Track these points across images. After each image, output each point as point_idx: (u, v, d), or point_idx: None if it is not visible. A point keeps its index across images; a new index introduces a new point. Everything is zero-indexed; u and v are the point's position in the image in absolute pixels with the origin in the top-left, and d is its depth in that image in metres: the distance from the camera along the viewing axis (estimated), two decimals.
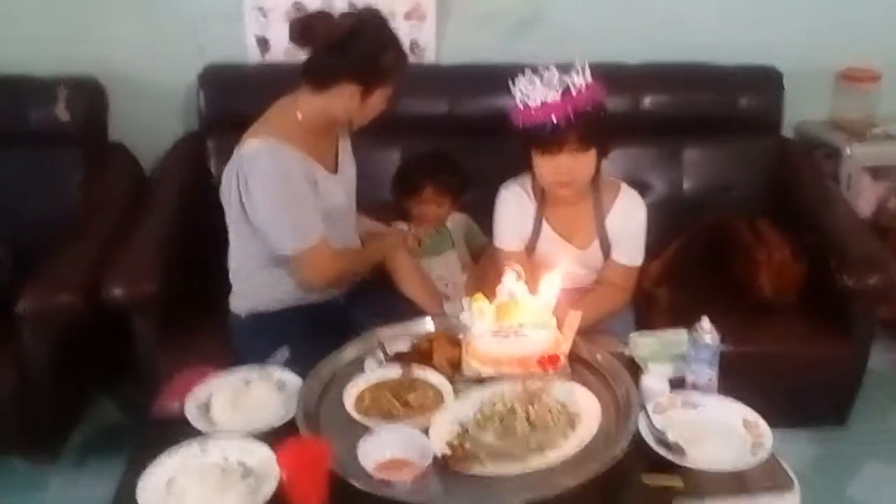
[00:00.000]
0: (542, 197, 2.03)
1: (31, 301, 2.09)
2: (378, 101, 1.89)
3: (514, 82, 1.87)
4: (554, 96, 1.82)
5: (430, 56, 2.71)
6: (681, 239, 2.45)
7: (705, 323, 1.59)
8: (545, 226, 2.05)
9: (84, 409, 2.46)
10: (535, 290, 1.65)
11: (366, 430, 1.44)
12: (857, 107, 2.80)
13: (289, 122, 1.90)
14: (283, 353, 1.71)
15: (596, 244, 2.05)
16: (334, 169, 2.00)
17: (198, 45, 2.58)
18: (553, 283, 1.64)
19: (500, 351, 1.59)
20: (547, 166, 1.90)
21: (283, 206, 1.86)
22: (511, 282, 1.65)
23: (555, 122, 1.82)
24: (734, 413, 1.51)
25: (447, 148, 2.42)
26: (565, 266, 1.98)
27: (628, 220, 2.03)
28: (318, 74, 1.86)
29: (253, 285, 2.02)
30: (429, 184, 2.31)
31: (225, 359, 1.81)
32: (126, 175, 2.66)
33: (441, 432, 1.44)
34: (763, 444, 1.42)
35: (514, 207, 2.05)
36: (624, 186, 2.06)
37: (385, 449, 1.39)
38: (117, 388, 2.51)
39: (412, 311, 1.96)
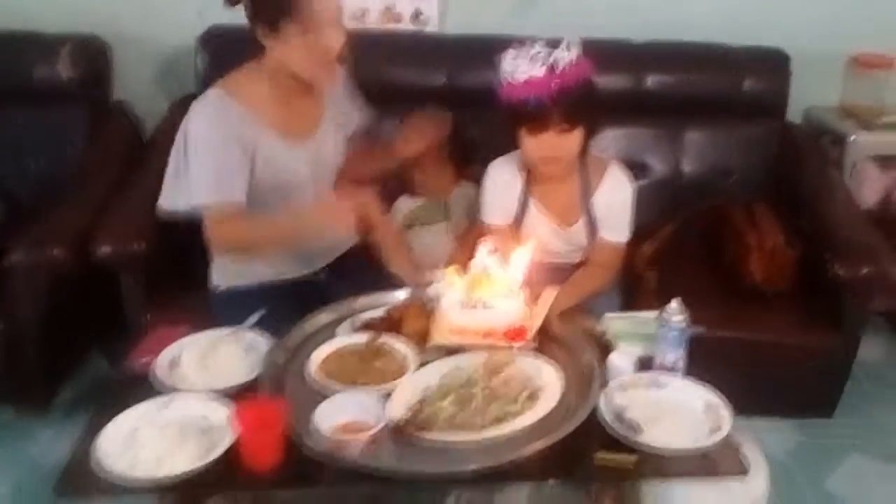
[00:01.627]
0: (529, 174, 2.02)
1: (20, 254, 2.13)
2: (301, 42, 1.76)
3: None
4: (539, 72, 1.80)
5: (432, 26, 2.69)
6: (675, 222, 2.43)
7: (675, 303, 1.57)
8: (531, 203, 2.04)
9: (75, 365, 2.50)
10: (509, 259, 1.65)
11: (327, 393, 1.46)
12: (869, 94, 2.72)
13: (245, 78, 1.88)
14: (257, 314, 1.72)
15: (581, 223, 2.04)
16: (301, 138, 1.94)
17: (199, 6, 2.57)
18: (523, 258, 1.64)
19: (467, 322, 1.59)
20: (532, 144, 1.88)
21: (202, 155, 1.79)
22: (484, 255, 1.65)
23: (539, 99, 1.80)
24: (697, 395, 1.50)
25: None
26: (546, 241, 2.00)
27: (615, 197, 2.02)
28: (250, 24, 1.80)
29: (228, 259, 2.01)
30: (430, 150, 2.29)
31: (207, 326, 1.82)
32: (127, 134, 2.68)
33: (401, 399, 1.45)
34: (722, 427, 1.41)
35: (501, 184, 2.04)
36: (612, 164, 2.05)
37: (342, 413, 1.40)
38: (109, 346, 2.54)
39: (396, 285, 1.96)
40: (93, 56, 2.61)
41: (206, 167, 1.80)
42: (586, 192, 2.01)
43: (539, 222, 2.04)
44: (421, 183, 2.35)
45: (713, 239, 2.43)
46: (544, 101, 1.80)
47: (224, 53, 2.56)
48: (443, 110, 2.19)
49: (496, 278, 1.62)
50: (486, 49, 2.51)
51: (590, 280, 2.04)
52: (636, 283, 2.29)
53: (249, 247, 1.91)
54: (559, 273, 2.01)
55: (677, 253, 2.38)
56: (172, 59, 2.73)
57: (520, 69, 1.81)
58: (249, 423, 1.33)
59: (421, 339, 1.64)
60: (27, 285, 2.18)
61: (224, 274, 2.04)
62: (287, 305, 1.87)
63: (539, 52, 1.81)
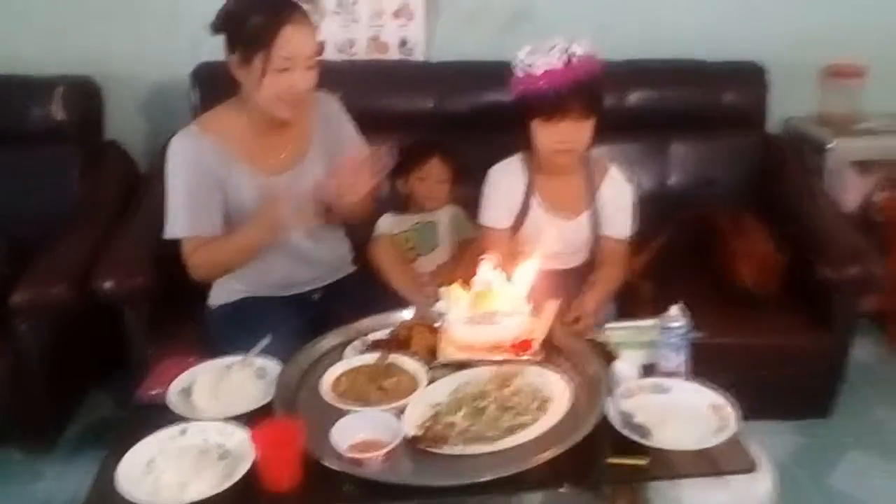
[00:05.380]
0: (533, 170, 2.09)
1: (24, 293, 2.15)
2: (265, 75, 1.81)
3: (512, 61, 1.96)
4: (557, 64, 1.89)
5: (419, 54, 2.75)
6: (665, 232, 2.48)
7: (674, 309, 1.62)
8: (535, 198, 2.10)
9: (80, 402, 2.51)
10: (513, 273, 1.69)
11: (341, 413, 1.48)
12: (844, 102, 2.82)
13: (223, 113, 1.96)
14: (264, 342, 1.74)
15: (585, 216, 2.11)
16: (278, 171, 1.97)
17: (191, 42, 2.61)
18: (528, 272, 1.68)
19: (474, 337, 1.63)
20: (549, 134, 1.96)
21: (176, 190, 1.90)
22: (487, 271, 1.69)
23: (557, 88, 1.89)
24: (702, 397, 1.54)
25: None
26: (549, 244, 2.03)
27: (620, 192, 2.12)
28: (226, 53, 1.87)
29: (222, 277, 2.05)
30: (436, 154, 2.34)
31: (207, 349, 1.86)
32: (120, 172, 2.71)
33: (414, 415, 1.48)
34: (728, 426, 1.45)
35: (504, 181, 2.11)
36: (611, 165, 2.15)
37: (358, 431, 1.43)
38: (113, 381, 2.55)
39: (395, 302, 2.00)
40: (85, 97, 2.65)
41: (179, 202, 1.90)
42: (591, 186, 2.10)
43: (541, 219, 2.10)
44: (419, 196, 2.38)
45: (703, 247, 2.49)
46: (562, 90, 1.89)
47: (217, 87, 2.59)
48: (378, 145, 2.00)
49: (500, 293, 1.66)
50: (472, 73, 2.65)
51: (607, 281, 2.11)
52: (631, 295, 2.34)
53: (221, 266, 1.98)
54: (559, 279, 2.06)
55: (669, 262, 2.42)
56: (165, 95, 2.76)
57: (538, 61, 1.90)
58: (268, 443, 1.36)
59: (429, 356, 1.67)
60: (30, 325, 2.19)
61: (218, 292, 2.09)
62: (282, 323, 1.92)
63: (556, 46, 1.91)
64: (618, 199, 2.12)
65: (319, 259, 2.11)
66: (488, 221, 2.13)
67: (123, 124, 2.76)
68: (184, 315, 2.20)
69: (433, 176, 2.35)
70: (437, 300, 1.74)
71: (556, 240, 2.09)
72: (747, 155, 2.72)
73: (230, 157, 1.92)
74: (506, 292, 1.67)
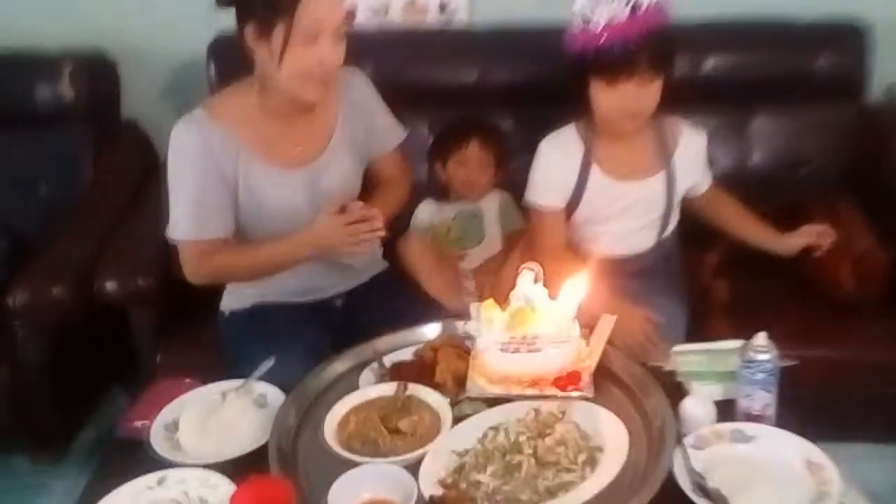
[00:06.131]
0: (592, 138, 1.84)
1: (22, 294, 1.95)
2: (287, 49, 1.53)
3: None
4: (622, 14, 1.62)
5: (461, 18, 2.44)
6: None
7: (761, 338, 1.30)
8: (594, 169, 1.84)
9: (95, 406, 2.32)
10: (567, 268, 1.43)
11: (346, 464, 1.22)
12: None
13: (234, 95, 1.70)
14: (267, 364, 1.50)
15: (660, 177, 1.86)
16: (297, 163, 1.72)
17: (207, 9, 2.36)
18: (577, 288, 1.38)
19: (510, 367, 1.34)
20: (613, 96, 1.70)
21: (179, 189, 1.66)
22: (527, 284, 1.40)
23: (623, 43, 1.62)
24: (794, 451, 1.23)
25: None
26: (609, 213, 1.86)
27: (697, 150, 1.92)
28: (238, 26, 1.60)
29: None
30: (475, 137, 2.06)
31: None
32: (138, 156, 2.49)
33: (433, 468, 1.22)
34: (830, 494, 1.14)
35: (556, 154, 1.86)
36: (682, 121, 1.92)
37: (363, 489, 1.17)
38: (130, 388, 2.36)
39: (426, 310, 1.73)
40: (97, 73, 2.41)
41: (182, 202, 1.65)
42: (665, 148, 1.86)
43: (604, 190, 1.85)
44: (459, 183, 2.09)
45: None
46: (628, 44, 1.63)
47: (236, 61, 2.36)
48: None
49: (543, 312, 1.37)
50: (522, 39, 2.32)
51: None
52: (704, 296, 2.03)
53: (234, 277, 1.77)
54: (621, 273, 1.80)
55: (748, 260, 2.09)
56: (182, 70, 2.52)
57: (598, 11, 1.63)
58: None
59: (458, 386, 1.40)
60: (31, 327, 2.01)
61: (231, 297, 1.86)
62: (298, 333, 1.70)
63: None
64: (695, 157, 1.91)
65: (345, 261, 1.84)
66: (538, 199, 1.87)
67: (139, 103, 2.52)
68: (197, 319, 1.98)
69: (474, 160, 2.06)
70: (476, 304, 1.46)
71: (622, 206, 1.86)
72: (843, 130, 2.33)
73: (242, 148, 1.66)
74: (550, 311, 1.37)
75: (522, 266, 1.41)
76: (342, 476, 1.18)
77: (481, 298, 1.65)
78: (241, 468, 1.26)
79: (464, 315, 1.55)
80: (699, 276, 2.07)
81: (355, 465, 1.21)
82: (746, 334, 1.46)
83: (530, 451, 1.20)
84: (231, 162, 1.65)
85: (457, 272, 1.99)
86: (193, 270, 1.69)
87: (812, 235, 1.90)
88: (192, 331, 1.98)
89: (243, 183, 1.67)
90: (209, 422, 1.37)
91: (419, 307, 1.74)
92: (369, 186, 1.89)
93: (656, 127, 1.85)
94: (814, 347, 1.88)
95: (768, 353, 1.28)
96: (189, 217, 1.65)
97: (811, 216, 2.10)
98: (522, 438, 1.22)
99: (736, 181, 2.29)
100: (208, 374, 1.55)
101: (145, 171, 2.42)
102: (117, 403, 2.35)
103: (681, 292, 1.96)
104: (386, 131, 1.88)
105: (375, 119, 1.84)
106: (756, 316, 1.93)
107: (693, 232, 2.06)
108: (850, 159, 2.31)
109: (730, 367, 1.38)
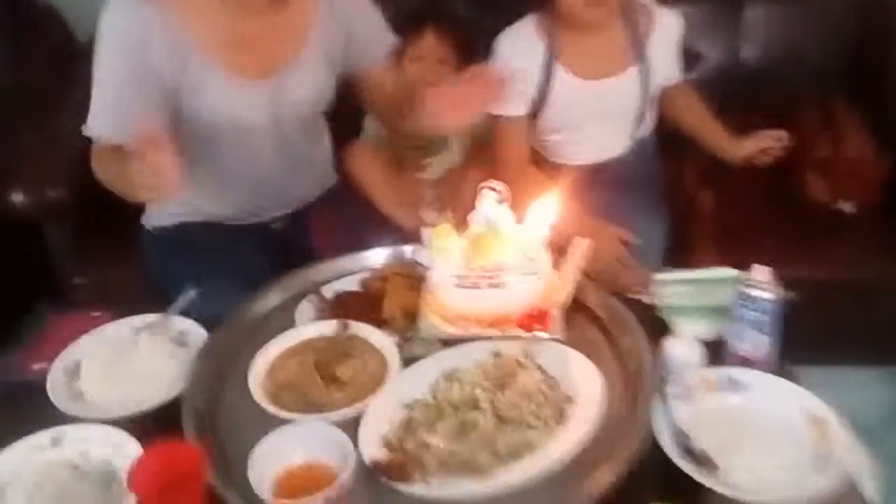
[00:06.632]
0: (555, 31, 1.64)
1: None
2: None
3: None
4: None
5: None
6: (732, 126, 1.93)
7: (760, 271, 1.12)
8: (559, 68, 1.65)
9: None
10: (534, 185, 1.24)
11: (273, 422, 1.04)
12: None
13: None
14: (188, 296, 1.29)
15: (633, 72, 1.66)
16: (259, 72, 1.42)
17: None
18: (547, 209, 1.17)
19: (468, 305, 1.15)
20: None
21: (102, 76, 1.35)
22: (489, 206, 1.19)
23: None
24: (794, 403, 1.06)
25: None
26: (580, 117, 1.68)
27: (671, 35, 1.70)
28: None
29: None
30: (430, 27, 1.80)
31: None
32: (54, 47, 2.19)
33: (376, 429, 1.04)
34: (833, 456, 0.99)
35: (515, 52, 1.64)
36: (654, 3, 1.70)
37: (291, 453, 0.99)
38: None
39: (380, 231, 1.53)
40: None
41: (102, 96, 1.36)
42: (637, 37, 1.66)
43: (571, 92, 1.66)
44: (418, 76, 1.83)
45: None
46: None
47: None
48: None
49: (507, 239, 1.17)
50: None
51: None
52: (686, 209, 1.84)
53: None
54: (595, 183, 1.64)
55: (734, 167, 1.90)
56: None
57: None
58: (153, 482, 0.93)
59: (408, 320, 1.21)
60: None
61: (155, 212, 1.61)
62: (232, 256, 1.49)
63: None
64: (671, 43, 1.71)
65: (292, 181, 1.60)
66: (500, 108, 1.64)
67: None
68: (124, 235, 1.74)
69: (430, 55, 1.80)
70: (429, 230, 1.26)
71: (592, 109, 1.67)
72: (844, 19, 2.11)
73: (189, 44, 1.36)
74: (516, 237, 1.17)
75: (482, 185, 1.19)
76: (266, 438, 0.99)
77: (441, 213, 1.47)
78: (152, 424, 1.08)
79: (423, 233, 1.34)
80: (681, 186, 1.88)
81: (284, 422, 1.03)
82: (733, 255, 1.29)
83: (488, 405, 1.03)
84: (173, 59, 1.35)
85: (415, 185, 1.77)
86: (95, 167, 1.39)
87: (764, 140, 1.70)
88: (116, 249, 1.76)
89: (188, 88, 1.38)
90: (117, 366, 1.18)
91: (372, 228, 1.53)
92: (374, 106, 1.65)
93: (626, 14, 1.65)
94: (803, 267, 1.72)
95: (768, 290, 1.10)
96: (107, 114, 1.36)
97: (802, 118, 1.91)
98: (479, 392, 1.04)
99: (727, 76, 2.10)
100: (135, 301, 1.36)
101: (64, 62, 2.13)
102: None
103: (659, 206, 1.78)
104: (373, 39, 1.57)
105: (357, 24, 1.52)
106: (743, 231, 1.79)
107: (674, 136, 1.85)
108: (851, 53, 2.10)
109: (720, 300, 1.20)
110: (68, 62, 2.12)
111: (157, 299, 1.40)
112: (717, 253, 1.64)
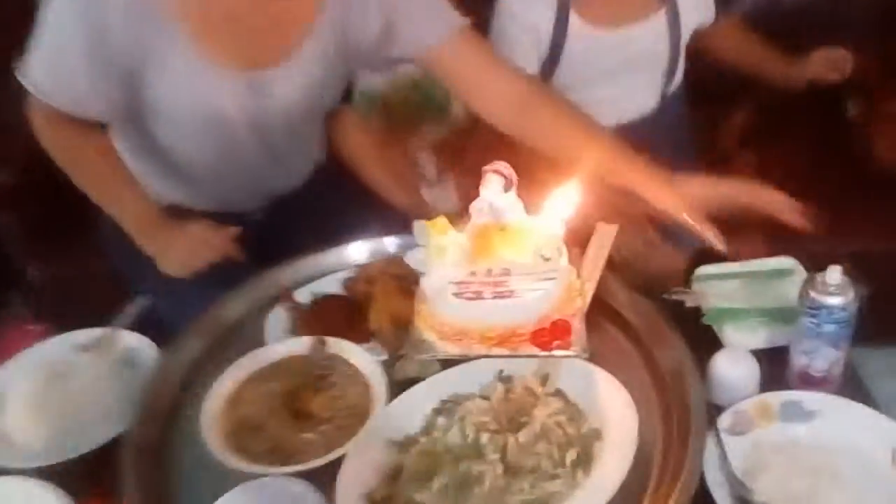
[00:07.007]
0: None
1: None
2: None
3: None
4: None
5: None
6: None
7: (833, 273, 0.89)
8: (573, 18, 1.45)
9: None
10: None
11: (228, 478, 0.84)
12: None
13: None
14: (139, 303, 1.10)
15: (659, 15, 1.47)
16: (245, 61, 1.16)
17: None
18: (566, 199, 0.95)
19: (468, 319, 0.93)
20: None
21: (46, 19, 1.09)
22: (495, 193, 0.97)
23: None
24: (875, 433, 0.85)
25: None
26: (598, 71, 1.47)
27: None
28: None
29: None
30: None
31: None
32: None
33: (357, 479, 0.84)
34: None
35: (523, 6, 1.44)
36: None
37: None
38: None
39: (372, 218, 1.31)
40: None
41: (44, 48, 1.11)
42: None
43: (588, 46, 1.46)
44: None
45: (831, 101, 1.70)
46: None
47: None
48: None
49: (516, 233, 0.95)
50: None
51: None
52: (725, 172, 1.61)
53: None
54: (630, 137, 1.37)
55: (779, 123, 1.68)
56: None
57: None
58: None
59: (398, 330, 1.01)
60: None
61: None
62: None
63: None
64: None
65: (272, 173, 1.37)
66: None
67: None
68: (84, 219, 1.54)
69: None
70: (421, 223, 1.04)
71: (613, 63, 1.47)
72: None
73: (170, 26, 1.11)
74: (527, 231, 0.95)
75: (487, 168, 0.97)
76: (222, 499, 0.80)
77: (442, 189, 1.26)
78: (88, 472, 0.89)
79: (422, 215, 1.12)
80: (717, 147, 1.65)
81: (246, 477, 0.83)
82: (781, 229, 1.07)
83: (496, 455, 0.82)
84: (140, 34, 1.10)
85: (412, 155, 1.55)
86: (37, 129, 1.22)
87: (825, 61, 1.53)
88: (77, 237, 1.55)
89: (153, 68, 1.14)
90: (50, 396, 0.98)
91: (363, 214, 1.31)
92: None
93: None
94: (858, 237, 1.53)
95: (844, 296, 0.88)
96: (44, 70, 1.13)
97: (856, 67, 1.66)
98: (485, 437, 0.83)
99: (767, 19, 1.84)
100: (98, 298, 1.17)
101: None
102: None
103: (691, 172, 1.54)
104: (425, 17, 1.23)
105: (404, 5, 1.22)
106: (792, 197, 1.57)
107: (709, 86, 1.61)
108: None
109: (777, 299, 0.99)
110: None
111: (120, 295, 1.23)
112: (763, 227, 1.43)
